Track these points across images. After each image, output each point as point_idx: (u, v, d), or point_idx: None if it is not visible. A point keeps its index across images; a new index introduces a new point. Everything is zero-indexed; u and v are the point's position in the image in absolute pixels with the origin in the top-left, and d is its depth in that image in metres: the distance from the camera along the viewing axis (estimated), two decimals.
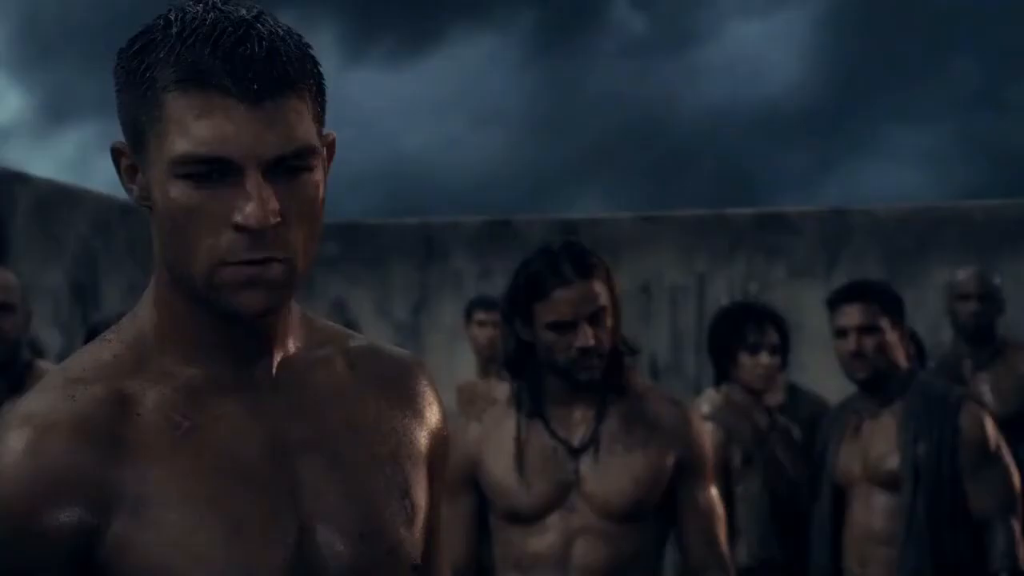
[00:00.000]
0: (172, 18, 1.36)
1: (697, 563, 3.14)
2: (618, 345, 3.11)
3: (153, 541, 1.35)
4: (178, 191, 1.35)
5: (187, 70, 1.33)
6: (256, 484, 1.40)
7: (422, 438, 1.55)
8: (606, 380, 3.11)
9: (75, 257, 8.53)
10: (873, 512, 4.10)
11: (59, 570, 1.35)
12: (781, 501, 4.38)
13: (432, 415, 1.57)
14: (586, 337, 3.01)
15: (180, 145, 1.33)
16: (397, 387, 1.55)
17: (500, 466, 3.11)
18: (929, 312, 9.01)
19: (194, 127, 1.33)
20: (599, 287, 3.05)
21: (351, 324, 9.95)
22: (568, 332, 3.02)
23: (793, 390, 5.96)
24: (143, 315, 1.45)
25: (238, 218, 1.34)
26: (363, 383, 1.53)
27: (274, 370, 1.46)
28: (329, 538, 1.43)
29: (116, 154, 1.41)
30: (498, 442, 3.14)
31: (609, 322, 3.06)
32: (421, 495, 1.52)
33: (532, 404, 3.13)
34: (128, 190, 1.42)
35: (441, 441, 1.58)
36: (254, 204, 1.33)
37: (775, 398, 5.59)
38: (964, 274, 5.87)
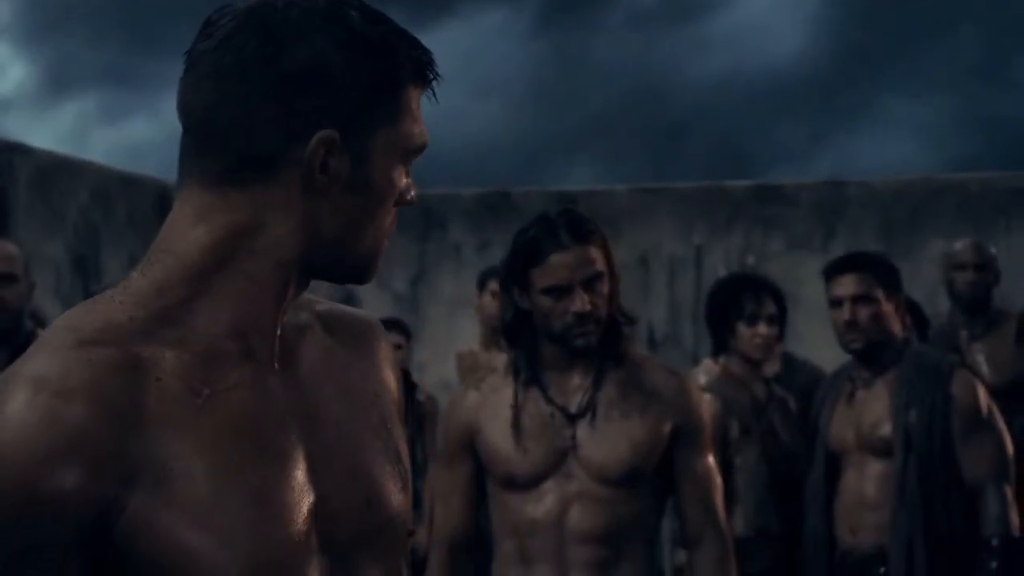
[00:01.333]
0: (356, 9, 1.44)
1: (694, 530, 3.15)
2: (615, 314, 3.12)
3: (175, 518, 1.32)
4: (403, 177, 1.48)
5: (421, 69, 1.47)
6: (272, 456, 1.40)
7: (395, 400, 1.60)
8: (603, 348, 3.12)
9: (76, 228, 8.51)
10: (866, 480, 4.13)
11: (74, 546, 1.30)
12: (778, 471, 4.41)
13: (395, 375, 1.62)
14: (582, 302, 3.02)
15: (420, 137, 1.48)
16: (368, 350, 1.59)
17: (497, 432, 3.13)
18: (925, 283, 9.03)
19: (420, 120, 1.48)
20: (595, 253, 3.06)
21: (350, 297, 9.94)
22: (564, 297, 3.03)
23: (789, 360, 5.97)
24: (170, 280, 1.42)
25: (410, 195, 1.50)
26: (343, 348, 1.55)
27: (276, 340, 1.47)
28: (340, 508, 1.44)
29: (327, 143, 1.41)
30: (495, 409, 3.15)
31: (605, 289, 3.07)
32: (407, 459, 1.56)
33: (529, 372, 3.14)
34: (325, 168, 1.42)
35: (399, 399, 1.62)
36: (411, 183, 1.51)
37: (771, 368, 5.62)
38: (961, 244, 5.92)
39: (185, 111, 1.43)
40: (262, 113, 1.38)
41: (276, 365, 1.45)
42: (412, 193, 1.50)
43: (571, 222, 3.08)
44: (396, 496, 1.50)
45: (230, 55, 1.39)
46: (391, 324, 6.80)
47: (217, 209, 1.41)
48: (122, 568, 1.33)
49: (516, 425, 3.11)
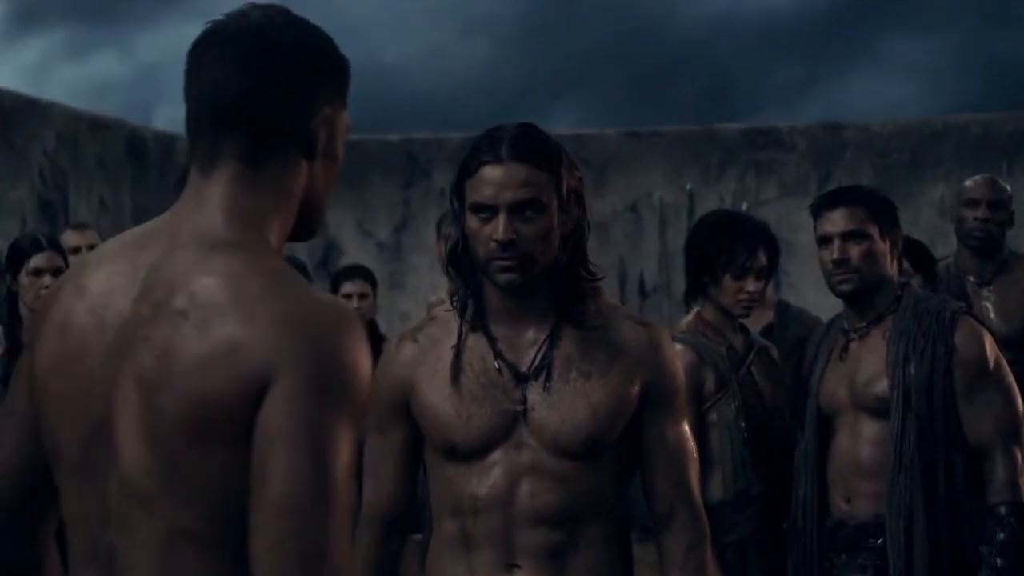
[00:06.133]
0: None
1: (664, 509, 2.78)
2: (577, 267, 2.76)
3: None
4: None
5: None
6: None
7: None
8: (557, 303, 2.76)
9: (41, 172, 8.56)
10: (861, 442, 3.86)
11: None
12: (758, 428, 4.10)
13: None
14: (504, 229, 2.65)
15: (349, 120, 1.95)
16: None
17: (435, 392, 2.76)
18: (924, 229, 8.96)
19: None
20: (536, 176, 2.67)
21: (333, 245, 9.87)
22: (492, 220, 2.68)
23: (783, 309, 5.83)
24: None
25: None
26: None
27: None
28: None
29: (326, 119, 1.83)
30: (434, 364, 2.78)
31: (545, 223, 2.69)
32: None
33: (476, 308, 2.78)
34: (320, 140, 1.84)
35: None
36: None
37: (764, 317, 5.41)
38: (973, 180, 5.60)
39: (213, 100, 1.76)
40: (285, 96, 1.76)
41: None
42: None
43: (518, 136, 2.69)
44: None
45: (256, 54, 1.76)
46: (356, 271, 6.74)
47: (250, 178, 1.76)
48: None
49: (456, 377, 2.74)
